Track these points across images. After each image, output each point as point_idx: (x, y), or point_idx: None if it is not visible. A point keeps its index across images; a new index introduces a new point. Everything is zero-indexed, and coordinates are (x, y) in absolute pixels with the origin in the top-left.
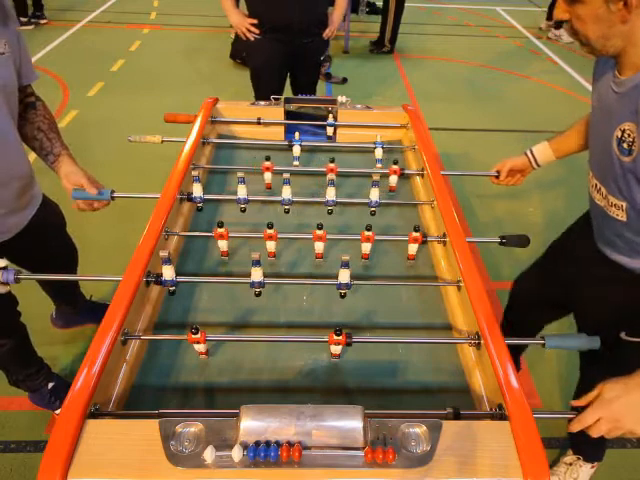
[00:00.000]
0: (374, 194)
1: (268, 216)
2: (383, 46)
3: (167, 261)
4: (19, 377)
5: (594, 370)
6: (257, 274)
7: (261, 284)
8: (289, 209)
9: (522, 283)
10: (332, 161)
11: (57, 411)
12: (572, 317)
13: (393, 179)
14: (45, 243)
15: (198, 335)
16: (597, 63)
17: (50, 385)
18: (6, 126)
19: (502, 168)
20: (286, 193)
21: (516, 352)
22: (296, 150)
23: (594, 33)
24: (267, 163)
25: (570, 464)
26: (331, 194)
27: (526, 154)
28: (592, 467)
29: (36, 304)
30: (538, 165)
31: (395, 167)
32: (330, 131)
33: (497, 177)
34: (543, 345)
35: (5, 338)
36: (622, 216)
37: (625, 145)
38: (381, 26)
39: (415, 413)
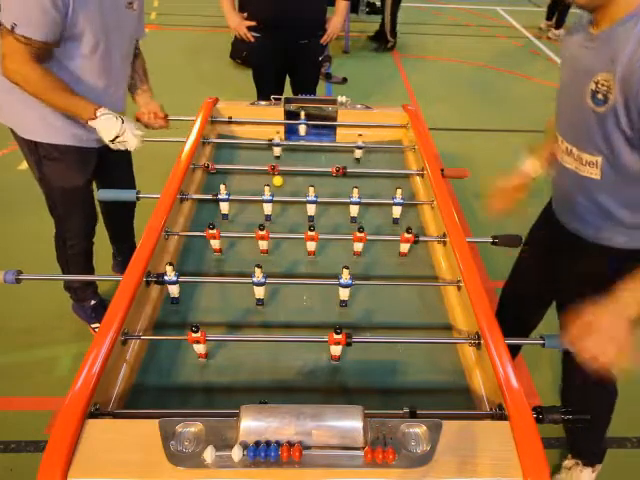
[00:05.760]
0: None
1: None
2: (387, 42)
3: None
4: (74, 283)
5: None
6: (259, 274)
7: (262, 283)
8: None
9: (509, 281)
10: (278, 158)
11: (93, 325)
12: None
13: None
14: (117, 163)
15: (198, 334)
16: (563, 41)
17: (93, 302)
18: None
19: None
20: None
21: (515, 351)
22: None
23: None
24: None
25: (569, 469)
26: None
27: (522, 170)
28: (593, 471)
29: None
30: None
31: (338, 166)
32: None
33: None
34: (543, 345)
35: (80, 239)
36: (596, 174)
37: (600, 96)
38: (381, 21)
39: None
